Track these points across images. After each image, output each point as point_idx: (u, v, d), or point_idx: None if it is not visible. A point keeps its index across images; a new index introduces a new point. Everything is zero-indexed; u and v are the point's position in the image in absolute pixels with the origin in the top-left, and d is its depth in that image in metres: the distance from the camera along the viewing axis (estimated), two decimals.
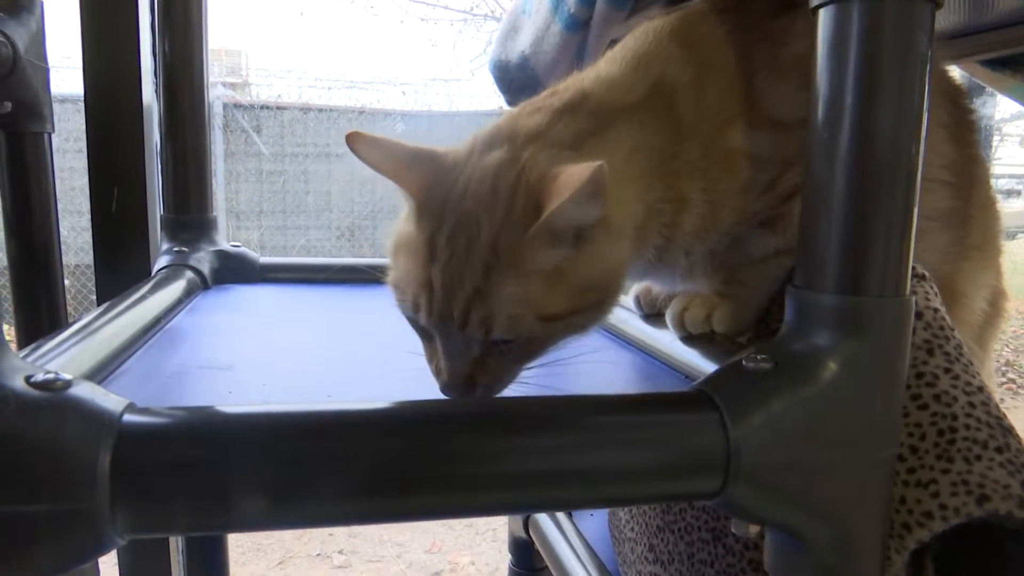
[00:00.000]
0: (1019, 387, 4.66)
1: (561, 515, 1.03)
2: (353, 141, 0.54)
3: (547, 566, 1.08)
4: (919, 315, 0.53)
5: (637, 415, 0.44)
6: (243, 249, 1.00)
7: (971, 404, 0.51)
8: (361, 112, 5.69)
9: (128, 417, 0.37)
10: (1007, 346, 5.25)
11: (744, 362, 0.45)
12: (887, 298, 0.44)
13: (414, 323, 0.55)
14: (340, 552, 2.78)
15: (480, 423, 0.42)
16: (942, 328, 0.54)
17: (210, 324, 0.77)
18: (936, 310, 0.54)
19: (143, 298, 0.74)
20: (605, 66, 0.64)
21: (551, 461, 0.42)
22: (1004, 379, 4.73)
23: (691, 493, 0.44)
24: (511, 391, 0.55)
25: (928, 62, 0.43)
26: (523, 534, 1.10)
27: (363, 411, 0.41)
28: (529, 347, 0.54)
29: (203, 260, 0.95)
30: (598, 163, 0.47)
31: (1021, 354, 5.15)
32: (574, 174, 0.49)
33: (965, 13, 0.92)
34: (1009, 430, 0.51)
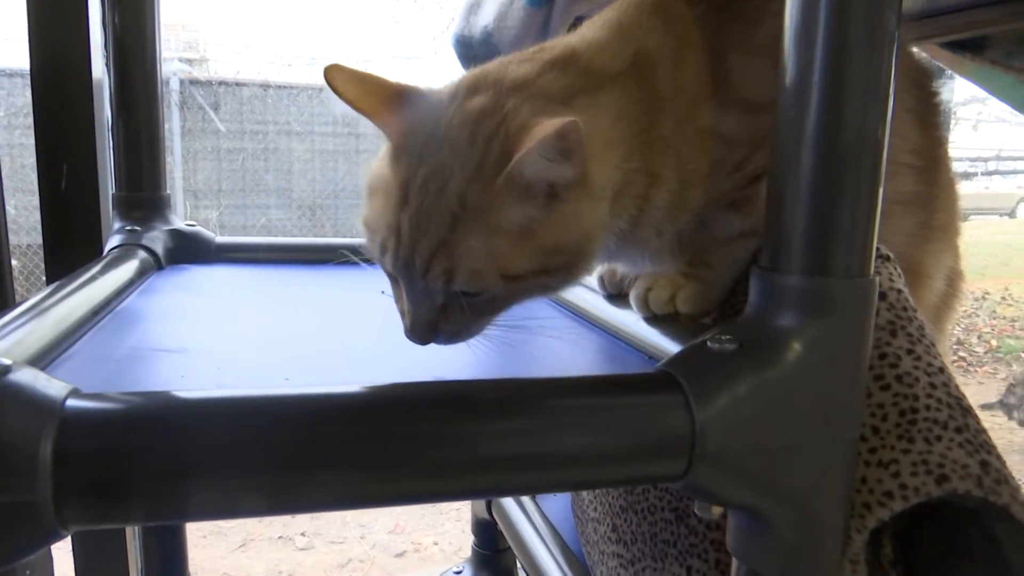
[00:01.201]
0: (969, 365, 4.79)
1: (524, 496, 1.02)
2: (331, 75, 0.52)
3: (510, 547, 1.07)
4: (883, 296, 0.53)
5: (601, 397, 0.43)
6: (198, 228, 0.98)
7: (932, 385, 0.51)
8: (321, 90, 5.59)
9: (71, 403, 0.36)
10: (958, 325, 5.39)
11: (709, 343, 0.44)
12: (852, 279, 0.44)
13: (382, 266, 0.55)
14: (303, 534, 2.76)
15: (441, 407, 0.41)
16: (905, 309, 0.54)
17: (163, 306, 0.75)
18: (900, 291, 0.54)
19: (93, 278, 0.72)
20: (590, 31, 0.63)
21: (515, 445, 0.41)
22: (955, 357, 4.86)
23: (656, 476, 0.44)
24: (478, 343, 0.55)
25: (896, 41, 0.42)
26: (486, 515, 1.10)
27: (319, 396, 0.39)
28: (493, 303, 0.53)
29: (156, 239, 0.92)
30: (571, 119, 0.46)
31: (971, 333, 5.29)
32: (546, 126, 0.48)
33: None
34: (968, 411, 0.51)
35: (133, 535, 1.08)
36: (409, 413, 0.40)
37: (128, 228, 0.92)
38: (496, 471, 0.41)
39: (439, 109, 0.54)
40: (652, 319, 0.62)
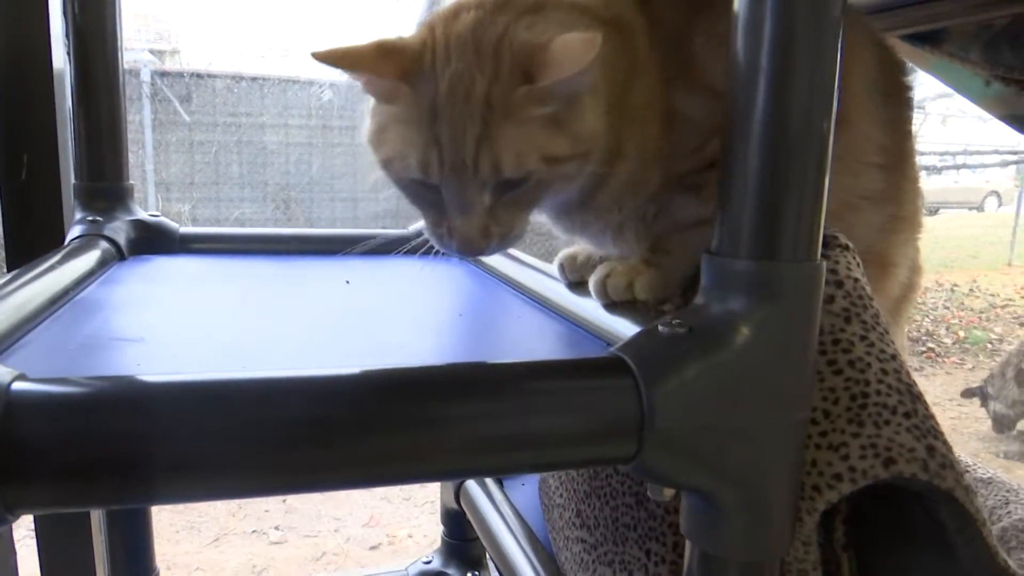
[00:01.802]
0: (938, 355, 4.87)
1: (492, 485, 1.03)
2: (319, 55, 0.56)
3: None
4: (839, 284, 0.54)
5: (553, 381, 0.43)
6: (162, 219, 0.97)
7: (884, 371, 0.52)
8: (295, 82, 5.55)
9: (17, 387, 0.35)
10: (927, 317, 5.50)
11: (660, 327, 0.45)
12: (799, 263, 0.44)
13: (418, 188, 0.59)
14: (276, 528, 2.75)
15: (393, 391, 0.41)
16: (861, 297, 0.55)
17: (124, 296, 0.74)
18: (857, 280, 0.55)
19: (52, 268, 0.71)
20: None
21: (468, 429, 0.41)
22: (924, 348, 4.94)
23: (607, 458, 0.44)
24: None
25: (841, 29, 0.43)
26: (455, 505, 1.10)
27: (269, 380, 0.39)
28: (534, 191, 0.58)
29: (119, 230, 0.91)
30: (594, 34, 0.51)
31: (940, 324, 5.38)
32: (571, 45, 0.53)
33: None
34: (918, 397, 0.52)
35: (99, 529, 1.07)
36: (360, 396, 0.40)
37: (90, 219, 0.91)
38: (450, 454, 0.41)
39: (426, 43, 0.58)
40: (611, 306, 0.62)
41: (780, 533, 0.48)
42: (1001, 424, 3.54)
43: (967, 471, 0.92)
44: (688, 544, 0.49)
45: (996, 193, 11.79)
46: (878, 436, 0.50)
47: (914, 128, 0.80)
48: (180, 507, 2.82)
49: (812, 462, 0.50)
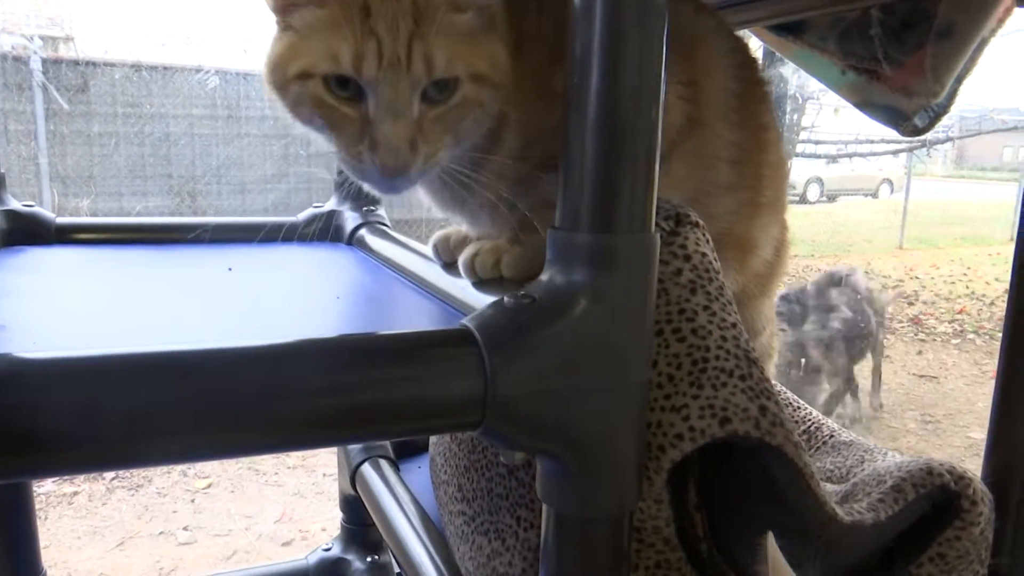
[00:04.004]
0: None
1: (387, 468, 1.04)
2: None
3: None
4: (688, 258, 0.58)
5: (402, 351, 0.45)
6: (36, 209, 0.94)
7: (723, 338, 0.56)
8: (198, 70, 5.39)
9: None
10: None
11: (506, 299, 0.47)
12: (634, 234, 0.47)
13: (336, 102, 0.59)
14: (185, 528, 2.69)
15: (251, 363, 0.42)
16: (707, 271, 0.58)
17: None
18: (704, 255, 0.59)
19: None
20: None
21: (318, 399, 0.43)
22: None
23: (455, 424, 0.46)
24: None
25: (665, 18, 0.46)
26: (351, 490, 1.11)
27: (123, 356, 0.40)
28: (457, 113, 0.60)
29: None
30: None
31: None
32: None
33: None
34: (754, 362, 0.56)
35: None
36: (206, 370, 0.41)
37: None
38: (302, 425, 0.43)
39: None
40: (480, 283, 0.65)
41: (628, 489, 0.51)
42: None
43: (832, 435, 0.98)
44: (544, 507, 0.52)
45: (889, 180, 12.42)
46: (715, 397, 0.54)
47: (775, 119, 0.85)
48: (82, 512, 2.73)
49: (657, 423, 0.54)
